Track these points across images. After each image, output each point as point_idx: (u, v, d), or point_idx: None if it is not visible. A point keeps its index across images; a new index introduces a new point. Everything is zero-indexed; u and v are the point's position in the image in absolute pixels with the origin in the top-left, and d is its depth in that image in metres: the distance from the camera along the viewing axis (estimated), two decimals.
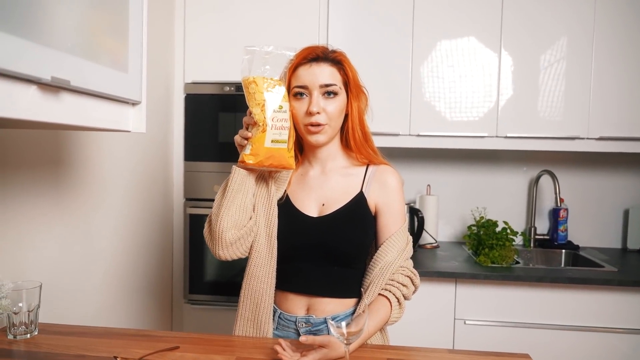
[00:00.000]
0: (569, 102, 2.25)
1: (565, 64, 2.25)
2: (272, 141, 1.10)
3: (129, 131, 1.05)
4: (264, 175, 1.23)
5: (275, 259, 1.20)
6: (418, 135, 2.31)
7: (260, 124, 1.10)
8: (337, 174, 1.24)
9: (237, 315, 1.22)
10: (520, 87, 2.27)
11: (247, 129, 1.14)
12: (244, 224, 1.17)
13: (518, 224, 2.60)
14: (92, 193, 1.65)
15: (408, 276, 1.19)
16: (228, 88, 2.22)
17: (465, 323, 2.05)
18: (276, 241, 1.20)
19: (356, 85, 1.19)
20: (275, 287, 1.21)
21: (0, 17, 0.65)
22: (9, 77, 0.70)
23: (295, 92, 1.17)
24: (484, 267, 2.09)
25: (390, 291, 1.16)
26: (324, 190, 1.23)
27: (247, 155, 1.11)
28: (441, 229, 2.66)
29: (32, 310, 1.15)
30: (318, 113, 1.15)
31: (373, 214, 1.23)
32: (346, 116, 1.22)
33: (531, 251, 2.48)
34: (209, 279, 2.32)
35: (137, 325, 2.00)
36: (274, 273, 1.21)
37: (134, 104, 1.06)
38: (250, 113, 1.12)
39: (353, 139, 1.21)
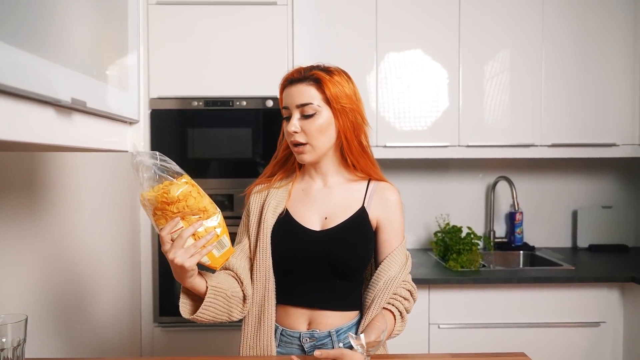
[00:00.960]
0: (516, 110, 2.39)
1: (509, 75, 2.40)
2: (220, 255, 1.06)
3: (127, 151, 1.01)
4: (257, 201, 1.26)
5: (273, 274, 1.20)
6: (385, 147, 2.37)
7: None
8: (340, 188, 1.26)
9: (240, 336, 1.20)
10: (469, 96, 2.39)
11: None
12: (237, 295, 1.17)
13: (479, 228, 2.72)
14: (63, 216, 1.56)
15: (409, 290, 1.23)
16: (196, 103, 2.18)
17: (439, 327, 2.11)
18: (270, 258, 1.19)
19: (339, 101, 1.18)
20: (276, 300, 1.21)
21: (21, 36, 0.61)
22: (25, 99, 0.66)
23: (284, 114, 1.22)
24: (454, 272, 2.16)
25: (393, 305, 1.18)
26: (326, 203, 1.24)
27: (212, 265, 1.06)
28: (406, 236, 2.72)
29: (18, 346, 1.07)
30: (296, 132, 1.17)
31: (374, 229, 1.25)
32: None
33: (492, 254, 2.60)
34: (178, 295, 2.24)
35: (108, 351, 1.89)
36: (274, 288, 1.20)
37: (132, 123, 1.02)
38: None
39: (349, 152, 1.22)
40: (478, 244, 2.37)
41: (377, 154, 2.36)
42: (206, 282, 1.09)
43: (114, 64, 0.90)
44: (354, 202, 1.24)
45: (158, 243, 2.22)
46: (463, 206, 2.74)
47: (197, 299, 1.13)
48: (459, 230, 2.42)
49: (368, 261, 1.25)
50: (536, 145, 2.39)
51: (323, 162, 1.24)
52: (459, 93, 2.38)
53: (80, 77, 0.74)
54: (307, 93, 1.17)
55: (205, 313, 1.10)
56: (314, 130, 1.17)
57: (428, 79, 2.38)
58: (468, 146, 2.38)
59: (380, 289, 1.19)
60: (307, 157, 1.20)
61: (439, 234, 2.49)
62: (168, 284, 2.23)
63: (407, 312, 1.22)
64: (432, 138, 2.38)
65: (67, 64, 0.71)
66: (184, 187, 0.99)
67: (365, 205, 1.24)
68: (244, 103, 2.18)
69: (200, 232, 1.02)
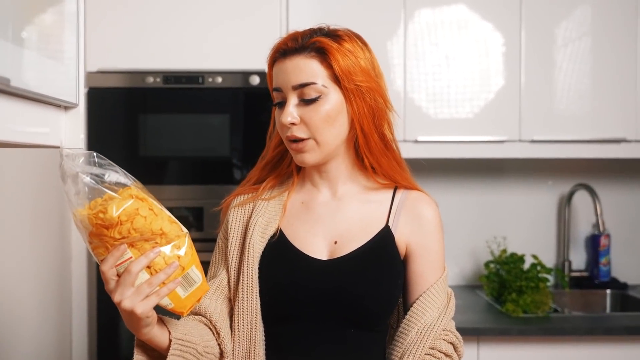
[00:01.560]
0: (599, 91, 2.40)
1: (590, 40, 2.41)
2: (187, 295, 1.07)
3: (58, 147, 1.02)
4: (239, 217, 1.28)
5: (261, 321, 1.20)
6: (415, 142, 2.39)
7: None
8: (354, 200, 1.27)
9: None
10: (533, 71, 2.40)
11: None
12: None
13: (548, 258, 2.72)
14: None
15: (452, 342, 1.23)
16: (152, 79, 2.20)
17: None
18: (258, 299, 1.20)
19: (353, 78, 1.19)
20: (266, 357, 1.21)
21: None
22: None
23: (275, 99, 1.23)
24: (513, 319, 2.17)
25: None
26: (336, 222, 1.25)
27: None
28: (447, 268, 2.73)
29: None
30: (293, 124, 1.18)
31: (402, 257, 1.26)
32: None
33: (567, 294, 2.60)
34: (126, 355, 2.25)
35: None
36: (262, 340, 1.21)
37: (68, 107, 1.04)
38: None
39: (367, 150, 1.23)
40: (547, 280, 2.37)
41: (405, 151, 2.34)
42: (169, 333, 1.10)
43: (42, 25, 0.91)
44: (375, 219, 1.25)
45: (97, 274, 2.23)
46: (525, 226, 2.74)
47: (157, 355, 1.13)
48: (520, 260, 2.43)
49: (395, 303, 1.25)
50: (629, 141, 2.40)
51: (331, 164, 1.25)
52: (520, 66, 2.40)
53: (1, 45, 0.76)
54: (308, 69, 1.18)
55: None
56: (319, 120, 1.18)
57: (475, 45, 2.40)
58: (532, 141, 2.39)
59: (412, 341, 1.19)
60: (309, 157, 1.21)
61: (492, 266, 2.50)
62: (110, 330, 2.24)
63: None
64: (482, 130, 2.39)
65: None
66: (128, 203, 0.98)
67: (390, 223, 1.25)
68: (219, 80, 2.20)
69: (158, 262, 1.02)
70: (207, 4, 2.23)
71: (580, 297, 2.62)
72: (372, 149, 1.23)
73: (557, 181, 2.76)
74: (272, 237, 1.24)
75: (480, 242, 2.71)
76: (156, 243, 1.02)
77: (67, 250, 2.25)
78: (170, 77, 2.20)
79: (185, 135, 2.22)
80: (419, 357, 1.18)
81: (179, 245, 1.04)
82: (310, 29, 1.24)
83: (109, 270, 0.99)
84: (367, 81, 1.20)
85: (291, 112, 1.18)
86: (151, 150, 2.22)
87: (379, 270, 1.22)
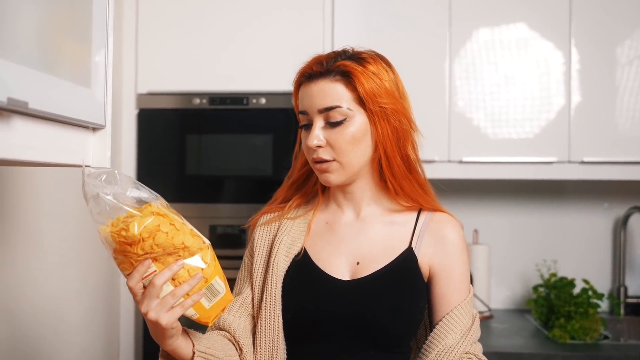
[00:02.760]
0: None
1: None
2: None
3: (89, 166, 1.07)
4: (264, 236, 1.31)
5: (283, 339, 1.22)
6: (460, 162, 2.37)
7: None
8: (378, 222, 1.27)
9: None
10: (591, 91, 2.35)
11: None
12: None
13: (601, 283, 2.64)
14: (11, 249, 1.65)
15: None
16: (199, 100, 2.26)
17: None
18: (281, 317, 1.22)
19: (378, 100, 1.20)
20: None
21: None
22: None
23: (301, 121, 1.26)
24: (560, 345, 2.11)
25: None
26: (359, 243, 1.26)
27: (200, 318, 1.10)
28: (494, 291, 2.69)
29: None
30: (319, 146, 1.20)
31: (426, 279, 1.26)
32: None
33: (622, 320, 2.51)
34: None
35: None
36: (284, 357, 1.22)
37: (95, 129, 1.09)
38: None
39: (390, 172, 1.24)
40: (599, 306, 2.30)
41: (448, 172, 2.35)
42: (193, 344, 1.13)
43: (69, 51, 0.96)
44: (398, 241, 1.25)
45: None
46: (578, 250, 2.67)
47: None
48: (571, 284, 2.36)
49: (417, 325, 1.25)
50: None
51: (356, 185, 1.27)
52: (570, 85, 2.35)
53: (21, 71, 0.80)
54: (333, 92, 1.20)
55: None
56: (344, 143, 1.20)
57: (534, 64, 2.37)
58: (582, 162, 2.33)
59: None
60: (333, 177, 1.22)
61: (541, 289, 2.44)
62: (158, 350, 2.29)
63: None
64: (530, 150, 2.35)
65: (6, 55, 0.77)
66: (149, 220, 1.02)
67: (413, 245, 1.25)
68: (263, 101, 2.25)
69: (181, 275, 1.05)
70: (251, 28, 2.29)
71: (637, 324, 2.52)
72: (395, 172, 1.24)
73: (613, 204, 2.68)
74: (296, 256, 1.26)
75: (530, 265, 2.66)
76: (179, 256, 1.05)
77: (115, 267, 2.32)
78: (216, 98, 2.26)
79: (230, 155, 2.27)
80: None
81: (201, 258, 1.07)
82: (334, 52, 1.26)
83: (135, 286, 1.03)
84: (391, 103, 1.21)
85: (317, 135, 1.20)
86: (197, 169, 2.28)
87: (401, 292, 1.22)
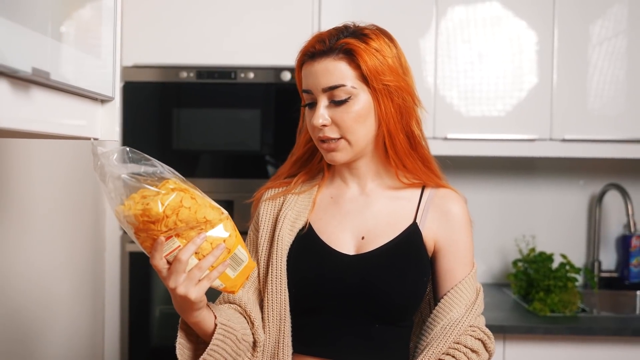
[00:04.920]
0: (635, 90, 2.37)
1: (626, 40, 2.37)
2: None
3: (97, 139, 1.05)
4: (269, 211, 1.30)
5: (288, 313, 1.23)
6: (444, 139, 2.38)
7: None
8: (383, 197, 1.28)
9: None
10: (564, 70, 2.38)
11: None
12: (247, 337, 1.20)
13: (577, 257, 2.70)
14: (9, 218, 1.62)
15: (480, 339, 1.23)
16: (185, 74, 2.23)
17: None
18: (286, 291, 1.22)
19: (381, 78, 1.20)
20: (292, 350, 1.23)
21: None
22: None
23: (305, 100, 1.25)
24: (540, 318, 2.16)
25: (455, 357, 1.19)
26: (364, 218, 1.26)
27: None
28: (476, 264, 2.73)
29: None
30: (325, 125, 1.20)
31: (430, 254, 1.27)
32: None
33: (596, 294, 2.57)
34: (156, 345, 2.29)
35: None
36: (289, 332, 1.23)
37: (104, 100, 1.06)
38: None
39: (393, 149, 1.24)
40: (576, 280, 2.35)
41: (435, 149, 2.35)
42: (215, 317, 1.13)
43: (80, 20, 0.94)
44: (403, 216, 1.26)
45: (130, 265, 2.27)
46: (555, 226, 2.72)
47: (195, 339, 1.16)
48: (549, 259, 2.41)
49: (420, 298, 1.27)
50: None
51: (361, 162, 1.27)
52: (553, 64, 2.37)
53: (40, 40, 0.78)
54: (337, 71, 1.19)
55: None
56: (350, 120, 1.19)
57: (508, 43, 2.39)
58: (564, 140, 2.37)
59: (436, 336, 1.20)
60: (340, 155, 1.22)
61: (520, 264, 2.48)
62: (142, 321, 2.28)
63: None
64: (513, 128, 2.37)
65: (25, 22, 0.75)
66: (172, 197, 1.01)
67: (417, 220, 1.26)
68: (251, 75, 2.22)
69: (205, 247, 1.05)
70: (240, 1, 2.25)
71: (610, 297, 2.59)
72: (398, 150, 1.24)
73: (589, 181, 2.73)
74: (301, 230, 1.26)
75: (509, 241, 2.70)
76: (201, 229, 1.05)
77: (101, 241, 2.29)
78: (204, 72, 2.23)
79: (217, 130, 2.25)
80: (441, 351, 1.19)
81: (222, 228, 1.07)
82: (335, 29, 1.24)
83: (159, 263, 1.02)
84: (395, 80, 1.21)
85: (322, 114, 1.20)
86: (184, 144, 2.26)
87: (405, 267, 1.23)
